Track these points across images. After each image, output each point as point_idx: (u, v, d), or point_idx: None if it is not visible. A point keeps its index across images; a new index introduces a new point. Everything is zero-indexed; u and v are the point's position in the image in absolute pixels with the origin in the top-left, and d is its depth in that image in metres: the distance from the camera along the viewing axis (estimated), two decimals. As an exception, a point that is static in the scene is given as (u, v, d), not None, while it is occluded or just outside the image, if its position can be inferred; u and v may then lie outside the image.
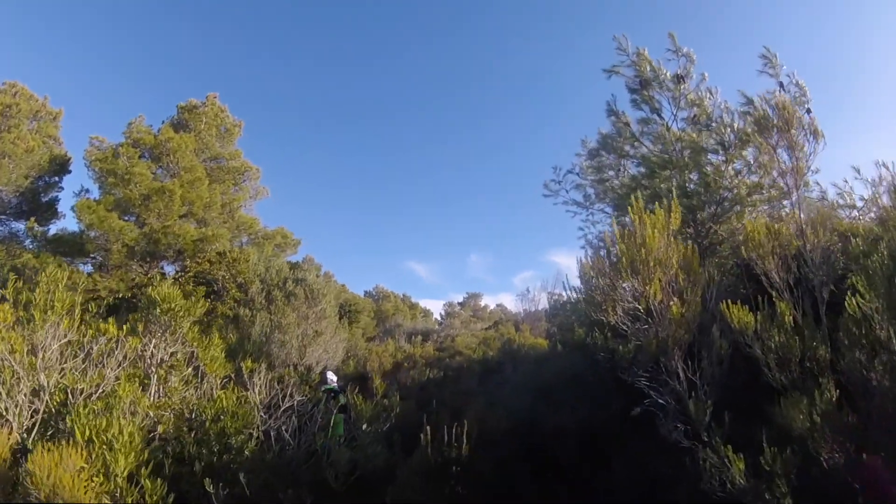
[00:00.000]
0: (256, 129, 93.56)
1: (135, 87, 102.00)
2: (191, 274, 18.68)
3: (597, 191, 14.39)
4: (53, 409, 4.63)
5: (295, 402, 5.95)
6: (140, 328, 5.31)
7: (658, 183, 11.75)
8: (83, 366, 4.87)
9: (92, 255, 23.87)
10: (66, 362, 4.73)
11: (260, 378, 5.83)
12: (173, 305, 5.27)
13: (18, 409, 4.41)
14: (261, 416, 5.67)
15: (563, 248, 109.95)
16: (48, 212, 25.45)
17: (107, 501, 3.87)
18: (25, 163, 23.75)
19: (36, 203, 25.05)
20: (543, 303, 29.18)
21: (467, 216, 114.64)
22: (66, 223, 25.61)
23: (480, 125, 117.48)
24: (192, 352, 5.72)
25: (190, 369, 5.46)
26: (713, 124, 11.47)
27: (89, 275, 23.75)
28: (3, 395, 4.38)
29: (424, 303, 74.34)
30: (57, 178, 25.71)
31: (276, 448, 5.55)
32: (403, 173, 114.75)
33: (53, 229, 25.25)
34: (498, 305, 63.18)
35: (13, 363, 4.40)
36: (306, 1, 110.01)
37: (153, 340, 5.31)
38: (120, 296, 18.16)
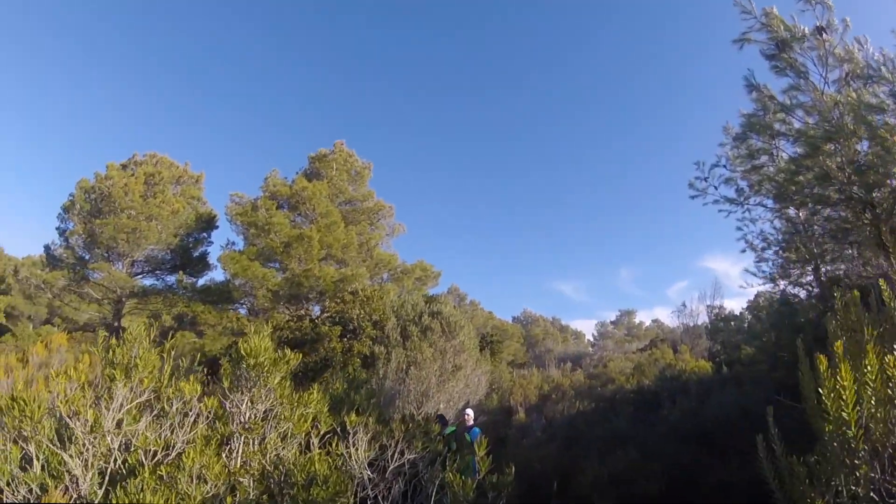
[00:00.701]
0: (388, 166, 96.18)
1: (268, 144, 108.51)
2: (327, 315, 18.75)
3: (750, 182, 12.25)
4: (124, 472, 4.22)
5: (406, 461, 5.22)
6: (226, 384, 4.83)
7: (823, 160, 9.95)
8: (160, 427, 4.44)
9: (240, 302, 25.07)
10: (139, 422, 4.30)
11: (366, 433, 5.18)
12: (261, 360, 4.75)
13: (85, 469, 3.98)
14: (363, 479, 5.01)
15: (718, 252, 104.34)
16: (199, 265, 27.28)
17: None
18: (173, 223, 25.59)
19: (187, 258, 26.81)
20: (703, 316, 26.62)
21: (613, 229, 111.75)
22: (216, 274, 27.34)
23: (619, 135, 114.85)
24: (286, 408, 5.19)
25: (275, 430, 4.88)
26: (873, 77, 9.64)
27: (238, 318, 24.98)
28: (72, 457, 3.95)
29: (575, 324, 72.62)
30: (205, 234, 27.57)
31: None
32: (543, 192, 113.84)
33: (205, 280, 26.99)
34: (653, 321, 60.45)
35: (75, 424, 3.97)
36: (429, 31, 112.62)
37: (238, 398, 4.80)
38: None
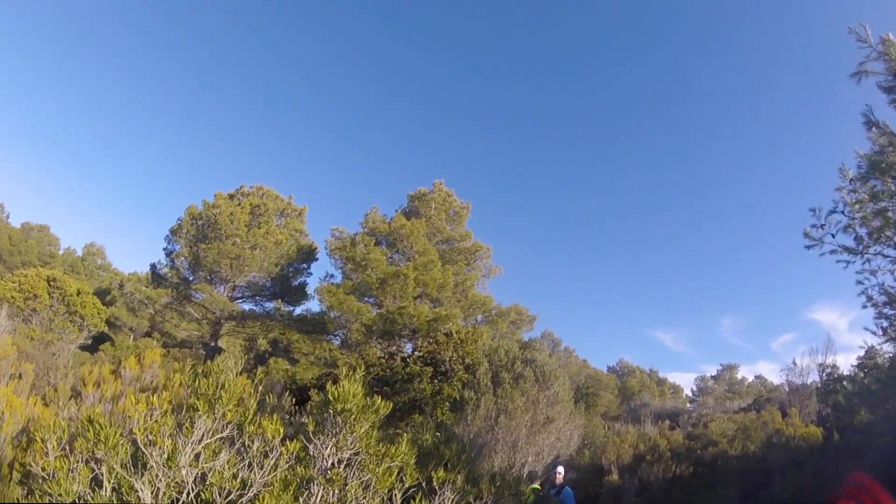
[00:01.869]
0: (486, 206, 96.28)
1: (371, 181, 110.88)
2: (419, 354, 18.49)
3: (871, 230, 11.25)
4: None
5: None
6: (310, 427, 4.52)
7: None
8: (239, 464, 4.16)
9: (334, 333, 25.30)
10: (218, 457, 4.03)
11: (454, 492, 4.77)
12: (349, 406, 4.43)
13: (156, 499, 4.06)
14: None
15: (828, 303, 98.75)
16: (297, 294, 27.86)
17: None
18: (275, 253, 26.38)
19: (286, 287, 27.40)
20: (813, 374, 24.61)
21: (716, 277, 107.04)
22: (313, 305, 27.82)
23: (724, 181, 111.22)
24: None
25: (357, 478, 4.53)
26: None
27: (331, 349, 25.22)
28: (144, 486, 3.84)
29: (673, 377, 70.01)
30: (305, 265, 28.23)
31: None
32: (644, 238, 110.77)
33: (301, 310, 27.55)
34: (757, 378, 57.43)
35: (151, 453, 3.76)
36: (539, 69, 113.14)
37: (322, 442, 4.48)
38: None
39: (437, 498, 4.77)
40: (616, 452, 17.87)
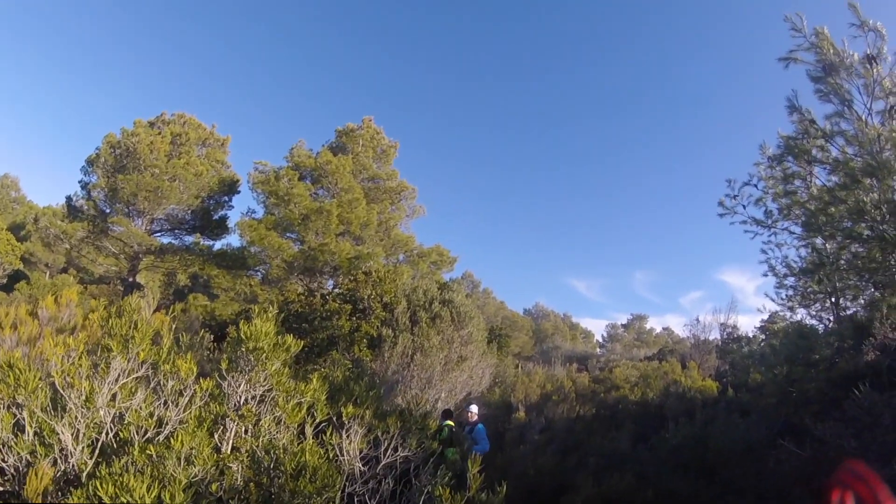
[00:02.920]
0: (413, 147, 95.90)
1: (296, 114, 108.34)
2: (339, 291, 18.75)
3: (780, 206, 11.90)
4: (115, 445, 4.22)
5: (398, 458, 5.17)
6: (223, 365, 4.79)
7: (861, 195, 9.60)
8: (154, 405, 4.42)
9: (254, 269, 25.21)
10: (134, 397, 4.28)
11: (362, 426, 5.14)
12: (261, 344, 4.70)
13: (76, 441, 4.20)
14: (355, 472, 4.96)
15: (735, 266, 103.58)
16: (218, 228, 27.46)
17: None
18: (195, 185, 25.73)
19: (207, 220, 26.97)
20: (715, 332, 26.03)
21: (632, 231, 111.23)
22: (233, 239, 27.46)
23: (646, 136, 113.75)
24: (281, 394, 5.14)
25: (271, 413, 4.85)
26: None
27: (251, 285, 25.18)
28: (64, 429, 4.12)
29: (585, 322, 72.30)
30: (226, 199, 27.68)
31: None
32: (565, 186, 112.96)
33: (222, 244, 27.21)
34: (664, 329, 60.06)
35: (69, 396, 4.11)
36: (464, 10, 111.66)
37: (235, 380, 4.76)
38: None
39: (344, 431, 5.12)
40: (524, 391, 18.67)
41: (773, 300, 13.82)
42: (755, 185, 11.98)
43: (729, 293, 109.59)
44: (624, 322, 63.56)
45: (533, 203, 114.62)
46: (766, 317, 17.94)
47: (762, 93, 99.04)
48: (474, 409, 10.68)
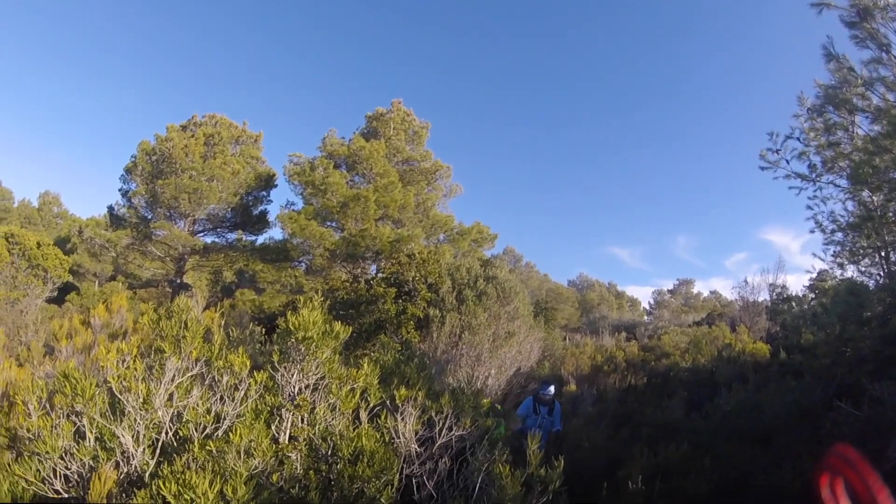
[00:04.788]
0: (446, 127, 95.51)
1: (325, 104, 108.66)
2: (382, 276, 18.82)
3: (824, 159, 11.60)
4: (175, 444, 4.30)
5: (453, 437, 5.15)
6: (275, 357, 4.82)
7: None
8: (210, 401, 4.47)
9: (298, 260, 25.47)
10: (190, 395, 4.34)
11: (415, 408, 5.13)
12: (309, 334, 4.72)
13: (137, 443, 4.30)
14: (411, 454, 4.96)
15: (780, 225, 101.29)
16: (259, 223, 27.77)
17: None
18: (233, 183, 26.07)
19: (247, 216, 27.29)
20: (763, 293, 25.35)
21: (670, 194, 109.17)
22: (275, 233, 27.80)
23: (678, 92, 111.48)
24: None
25: (325, 401, 4.87)
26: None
27: (296, 276, 25.45)
28: (124, 431, 4.27)
29: (631, 290, 71.57)
30: (265, 193, 28.00)
31: (417, 497, 4.84)
32: (602, 153, 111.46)
33: (264, 238, 27.58)
34: (712, 293, 58.96)
35: (127, 399, 4.27)
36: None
37: (287, 370, 4.79)
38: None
39: (398, 414, 5.12)
40: (575, 364, 18.57)
41: (820, 258, 13.43)
42: (797, 139, 11.60)
43: (774, 253, 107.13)
44: (670, 288, 62.68)
45: (570, 173, 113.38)
46: (814, 275, 17.41)
47: (796, 41, 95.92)
48: (550, 390, 9.86)
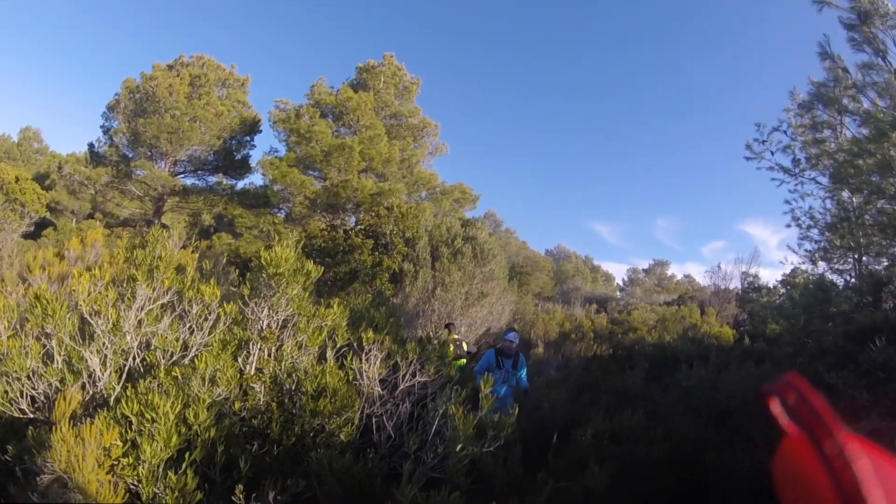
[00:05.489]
0: (436, 84, 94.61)
1: (316, 52, 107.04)
2: (361, 227, 18.90)
3: (808, 155, 11.57)
4: (142, 370, 4.40)
5: (416, 383, 5.29)
6: (246, 291, 4.92)
7: (888, 149, 9.22)
8: (179, 330, 4.56)
9: (278, 207, 25.44)
10: (159, 323, 4.42)
11: (381, 351, 5.25)
12: (281, 270, 4.81)
13: (104, 366, 4.37)
14: (373, 395, 5.10)
15: (759, 218, 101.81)
16: (241, 168, 27.72)
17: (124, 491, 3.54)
18: (216, 125, 25.88)
19: (229, 160, 27.18)
20: (736, 281, 25.87)
21: (656, 176, 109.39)
22: (256, 178, 27.72)
23: (675, 75, 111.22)
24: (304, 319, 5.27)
25: (293, 339, 4.98)
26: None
27: (274, 222, 25.46)
28: (92, 355, 4.31)
29: (606, 266, 72.06)
30: (248, 138, 27.80)
31: (379, 438, 4.99)
32: (591, 126, 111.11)
33: (244, 184, 27.53)
34: (685, 276, 59.55)
35: (97, 323, 4.32)
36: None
37: (257, 305, 4.88)
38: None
39: (363, 355, 5.23)
40: (544, 329, 18.82)
41: (795, 252, 13.64)
42: (784, 132, 11.64)
43: (752, 245, 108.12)
44: (645, 267, 63.26)
45: (558, 145, 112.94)
46: (788, 270, 17.74)
47: (795, 36, 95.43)
48: (514, 336, 9.10)
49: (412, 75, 27.57)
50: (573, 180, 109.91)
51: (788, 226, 13.00)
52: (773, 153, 11.69)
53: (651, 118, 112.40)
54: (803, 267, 14.86)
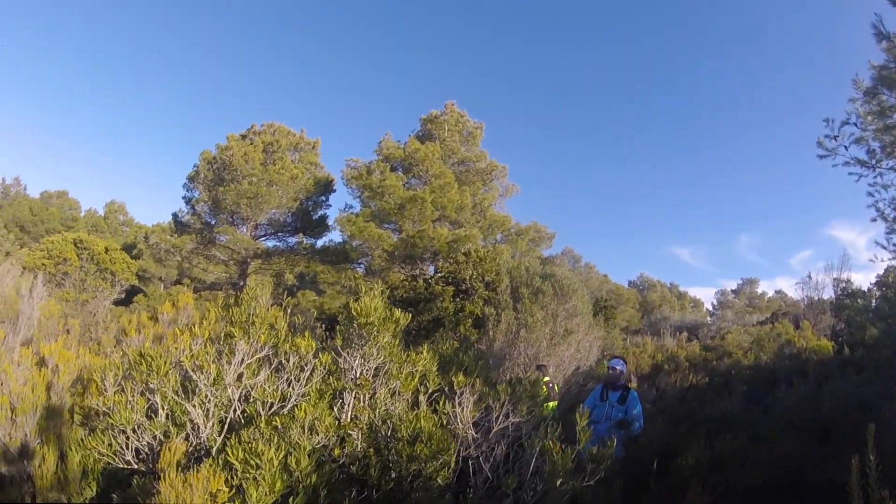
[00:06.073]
0: (500, 127, 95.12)
1: (380, 109, 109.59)
2: (441, 275, 19.00)
3: (882, 143, 11.14)
4: (242, 421, 4.68)
5: (510, 424, 5.25)
6: (338, 342, 5.02)
7: None
8: (276, 382, 4.68)
9: (357, 262, 25.91)
10: (258, 376, 4.55)
11: (473, 394, 5.25)
12: (371, 319, 4.90)
13: (206, 418, 4.54)
14: (468, 438, 5.08)
15: (845, 219, 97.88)
16: (319, 226, 28.44)
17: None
18: (292, 188, 26.81)
19: (307, 220, 27.93)
20: (829, 290, 24.65)
21: (732, 192, 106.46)
22: (335, 235, 28.42)
23: (740, 91, 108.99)
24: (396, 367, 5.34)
25: (385, 386, 5.04)
26: None
27: (355, 277, 25.90)
28: (195, 407, 4.50)
29: (693, 291, 70.07)
30: (323, 198, 28.64)
31: (477, 481, 4.94)
32: (660, 151, 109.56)
33: (324, 241, 28.19)
34: (777, 293, 57.32)
35: (199, 378, 4.54)
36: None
37: (350, 355, 4.97)
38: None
39: (456, 398, 5.22)
40: (635, 362, 18.35)
41: (884, 247, 12.97)
42: (854, 124, 11.15)
43: (840, 249, 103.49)
44: (734, 288, 61.11)
45: (628, 172, 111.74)
46: (881, 271, 16.85)
47: (853, 25, 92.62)
48: (619, 363, 8.17)
49: (475, 120, 27.98)
50: (648, 208, 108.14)
51: (874, 220, 12.29)
52: (846, 147, 11.13)
53: (721, 135, 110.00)
54: (894, 263, 14.09)
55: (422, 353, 5.56)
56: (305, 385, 4.83)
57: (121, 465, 4.40)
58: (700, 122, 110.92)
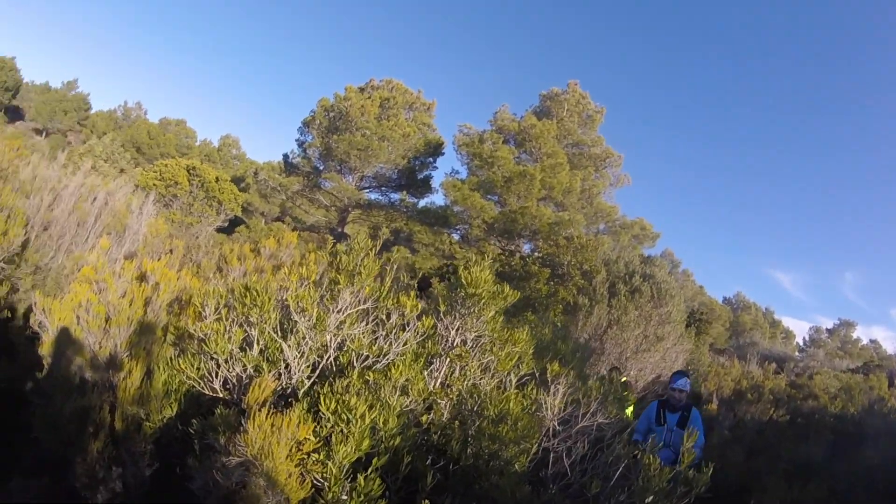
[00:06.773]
0: (621, 115, 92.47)
1: (500, 80, 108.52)
2: (538, 255, 18.70)
3: None
4: (334, 369, 4.62)
5: (594, 423, 5.00)
6: (442, 308, 4.88)
7: None
8: (375, 336, 4.59)
9: (455, 228, 25.82)
10: (356, 328, 4.47)
11: (565, 385, 5.03)
12: (479, 291, 4.73)
13: (300, 360, 4.47)
14: (551, 429, 4.88)
15: None
16: (422, 187, 28.67)
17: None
18: (402, 145, 27.18)
19: (412, 179, 28.16)
20: None
21: (849, 224, 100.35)
22: (437, 198, 28.46)
23: (869, 109, 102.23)
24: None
25: (478, 360, 4.90)
26: None
27: (451, 242, 25.94)
28: (292, 348, 4.45)
29: (787, 321, 67.03)
30: (431, 159, 28.82)
31: (549, 473, 4.74)
32: (781, 167, 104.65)
33: (425, 202, 28.37)
34: (871, 341, 53.90)
35: (300, 319, 4.47)
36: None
37: (450, 323, 4.83)
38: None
39: (549, 388, 5.02)
40: (717, 383, 17.58)
41: None
42: None
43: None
44: (829, 327, 57.93)
45: (741, 185, 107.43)
46: None
47: None
48: (684, 384, 6.94)
49: (596, 104, 27.28)
50: (756, 223, 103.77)
51: None
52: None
53: (839, 159, 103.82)
54: None
55: (523, 333, 5.37)
56: (403, 345, 4.71)
57: (205, 392, 4.42)
58: (832, 143, 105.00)
